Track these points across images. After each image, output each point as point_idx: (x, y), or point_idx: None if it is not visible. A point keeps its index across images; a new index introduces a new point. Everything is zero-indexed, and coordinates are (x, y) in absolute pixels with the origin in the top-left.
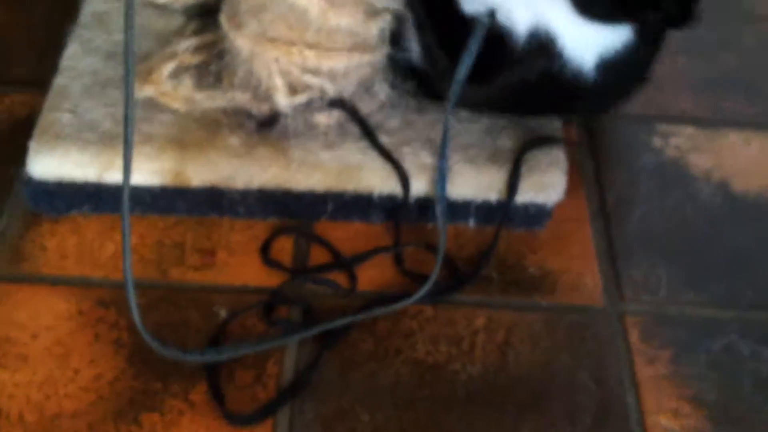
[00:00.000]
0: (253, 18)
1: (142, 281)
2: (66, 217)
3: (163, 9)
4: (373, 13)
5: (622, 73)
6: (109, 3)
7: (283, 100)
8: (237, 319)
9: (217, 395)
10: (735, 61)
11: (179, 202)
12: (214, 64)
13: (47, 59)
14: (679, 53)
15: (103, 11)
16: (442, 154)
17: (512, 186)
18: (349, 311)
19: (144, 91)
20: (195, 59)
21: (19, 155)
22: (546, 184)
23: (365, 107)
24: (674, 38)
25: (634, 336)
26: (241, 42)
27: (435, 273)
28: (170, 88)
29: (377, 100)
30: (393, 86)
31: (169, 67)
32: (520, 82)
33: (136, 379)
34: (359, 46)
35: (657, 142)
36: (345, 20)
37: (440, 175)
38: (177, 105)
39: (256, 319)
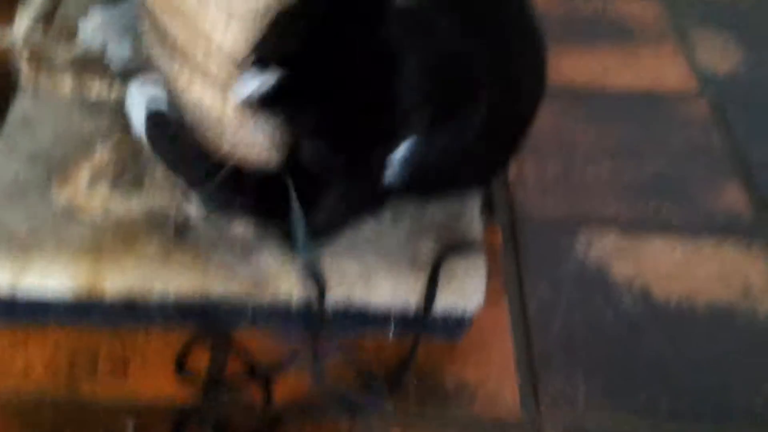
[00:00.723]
0: None
1: (51, 397)
2: None
3: (95, 108)
4: None
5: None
6: (38, 106)
7: (197, 207)
8: None
9: None
10: (661, 164)
11: (95, 312)
12: (131, 167)
13: None
14: (604, 156)
15: (31, 115)
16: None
17: (429, 294)
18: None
19: (62, 198)
20: (111, 164)
21: None
22: (465, 291)
23: None
24: (601, 142)
25: None
26: None
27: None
28: (86, 194)
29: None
30: None
31: (84, 174)
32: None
33: None
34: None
35: (580, 247)
36: (260, 133)
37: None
38: (93, 212)
39: None
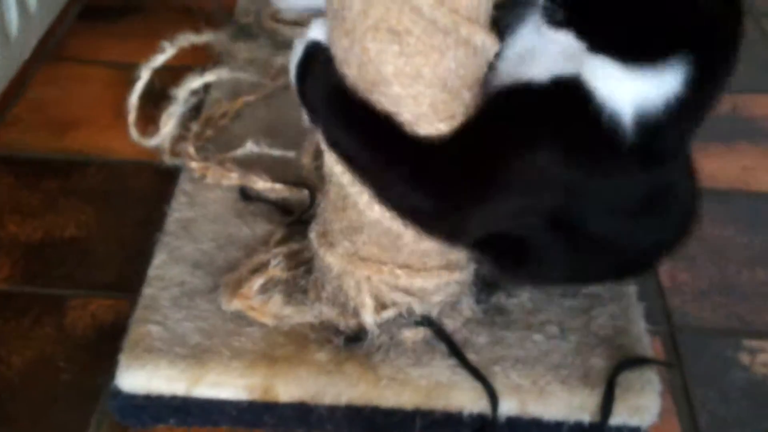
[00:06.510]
0: (346, 238)
1: None
2: (152, 430)
3: (250, 213)
4: None
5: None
6: (195, 210)
7: (370, 318)
8: None
9: None
10: None
11: (267, 416)
12: (302, 279)
13: (131, 264)
14: (757, 261)
15: (188, 218)
16: None
17: (606, 408)
18: None
19: (233, 305)
20: (284, 274)
21: (106, 364)
22: (641, 406)
23: (451, 324)
24: (752, 246)
25: None
26: (331, 260)
27: None
28: (259, 303)
29: (463, 316)
30: (478, 301)
31: (258, 282)
32: None
33: None
34: (449, 265)
35: (744, 358)
36: (437, 244)
37: None
38: (266, 320)
39: None
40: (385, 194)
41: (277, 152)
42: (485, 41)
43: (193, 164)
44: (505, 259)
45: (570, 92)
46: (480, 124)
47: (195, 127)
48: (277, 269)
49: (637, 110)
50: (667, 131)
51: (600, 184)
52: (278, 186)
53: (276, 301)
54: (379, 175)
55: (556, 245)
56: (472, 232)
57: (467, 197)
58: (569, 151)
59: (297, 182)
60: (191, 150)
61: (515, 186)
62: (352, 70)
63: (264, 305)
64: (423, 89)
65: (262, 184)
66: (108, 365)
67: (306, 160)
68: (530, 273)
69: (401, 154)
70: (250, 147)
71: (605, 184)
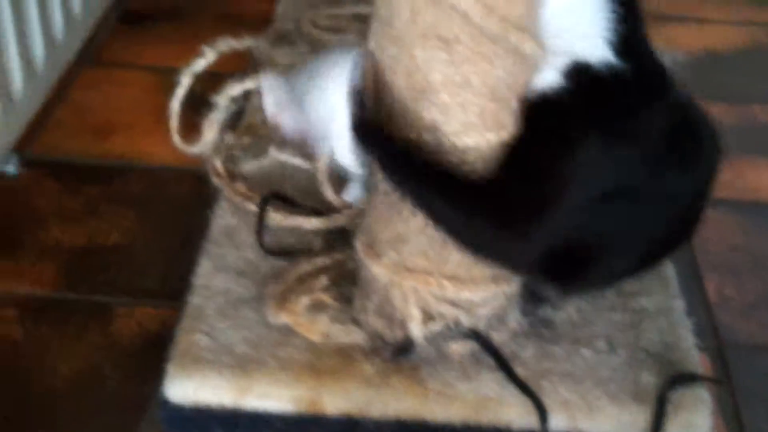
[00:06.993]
0: (392, 248)
1: None
2: None
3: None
4: None
5: None
6: (237, 218)
7: (417, 330)
8: None
9: None
10: None
11: (313, 428)
12: (346, 288)
13: (174, 271)
14: None
15: (231, 225)
16: None
17: (658, 425)
18: None
19: (279, 318)
20: (331, 294)
21: (152, 373)
22: (692, 424)
23: (498, 336)
24: None
25: None
26: (378, 270)
27: None
28: (307, 320)
29: (509, 329)
30: (524, 313)
31: (304, 302)
32: None
33: None
34: (496, 277)
35: None
36: None
37: None
38: (314, 337)
39: None
40: (456, 238)
41: (300, 162)
42: (534, 49)
43: (217, 181)
44: (569, 269)
45: (578, 75)
46: (521, 147)
47: (229, 138)
48: (324, 296)
49: (613, 46)
50: (635, 48)
51: (636, 139)
52: (292, 220)
53: (323, 319)
54: (447, 223)
55: (615, 227)
56: (538, 253)
57: (531, 222)
58: (604, 125)
59: (313, 210)
60: (219, 165)
61: (573, 193)
62: (399, 78)
63: (311, 324)
64: (471, 98)
65: (277, 219)
66: (154, 374)
67: (320, 174)
68: (597, 274)
69: (462, 202)
70: (273, 154)
71: (640, 136)
